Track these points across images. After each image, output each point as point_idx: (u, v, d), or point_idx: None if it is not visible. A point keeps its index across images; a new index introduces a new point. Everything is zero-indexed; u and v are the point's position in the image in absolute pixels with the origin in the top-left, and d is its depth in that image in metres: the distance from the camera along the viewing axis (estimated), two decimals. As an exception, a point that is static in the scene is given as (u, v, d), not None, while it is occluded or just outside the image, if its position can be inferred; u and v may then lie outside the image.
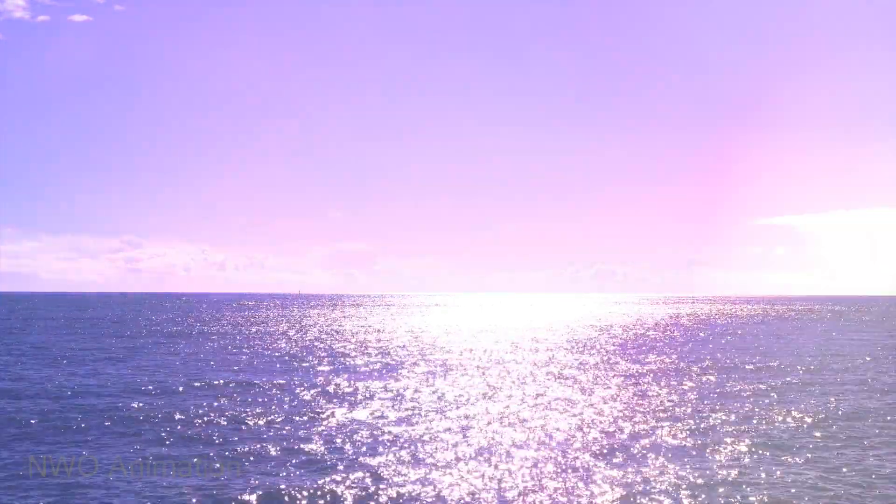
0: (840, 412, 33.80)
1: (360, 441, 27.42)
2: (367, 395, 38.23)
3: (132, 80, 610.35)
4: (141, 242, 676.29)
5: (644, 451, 25.98)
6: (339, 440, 27.56)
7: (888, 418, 32.41)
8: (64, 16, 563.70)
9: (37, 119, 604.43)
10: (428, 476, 22.76)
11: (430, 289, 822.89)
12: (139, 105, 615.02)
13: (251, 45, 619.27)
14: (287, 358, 58.44)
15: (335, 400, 36.74)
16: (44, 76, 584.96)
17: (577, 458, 25.15)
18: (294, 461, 24.56)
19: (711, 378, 46.27)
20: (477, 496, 20.95)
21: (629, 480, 22.46)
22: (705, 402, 36.67)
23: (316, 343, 75.20)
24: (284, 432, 28.86)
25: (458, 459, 24.72)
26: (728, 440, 27.85)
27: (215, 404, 35.09)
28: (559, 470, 23.61)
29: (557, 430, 29.49)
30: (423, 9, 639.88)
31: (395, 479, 22.50)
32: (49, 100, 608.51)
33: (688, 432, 29.18)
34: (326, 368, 50.96)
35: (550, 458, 25.10)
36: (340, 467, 23.78)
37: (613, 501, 20.70)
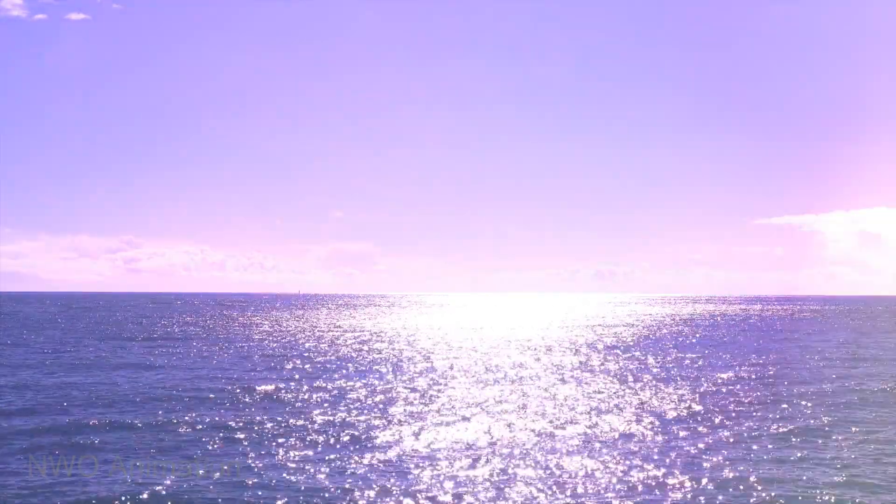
0: (846, 411, 33.85)
1: (356, 438, 27.48)
2: (367, 395, 38.27)
3: (131, 79, 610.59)
4: (141, 242, 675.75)
5: (639, 448, 26.04)
6: (338, 440, 27.64)
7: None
8: (61, 14, 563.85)
9: (35, 118, 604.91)
10: (426, 476, 22.80)
11: (430, 289, 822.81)
12: (138, 104, 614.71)
13: (251, 44, 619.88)
14: (288, 359, 58.44)
15: (337, 400, 36.78)
16: (42, 75, 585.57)
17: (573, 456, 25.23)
18: (295, 462, 24.60)
19: (713, 379, 46.29)
20: (473, 493, 21.00)
21: (626, 476, 22.49)
22: (706, 403, 36.73)
23: (316, 344, 75.21)
24: (286, 433, 28.91)
25: (454, 459, 24.78)
26: (734, 441, 27.89)
27: (215, 405, 35.12)
28: (559, 468, 23.66)
29: (559, 429, 29.57)
30: (425, 9, 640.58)
31: (395, 478, 22.54)
32: (47, 99, 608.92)
33: (687, 433, 29.24)
34: (327, 369, 51.00)
35: (550, 457, 25.17)
36: (340, 466, 23.85)
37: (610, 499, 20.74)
